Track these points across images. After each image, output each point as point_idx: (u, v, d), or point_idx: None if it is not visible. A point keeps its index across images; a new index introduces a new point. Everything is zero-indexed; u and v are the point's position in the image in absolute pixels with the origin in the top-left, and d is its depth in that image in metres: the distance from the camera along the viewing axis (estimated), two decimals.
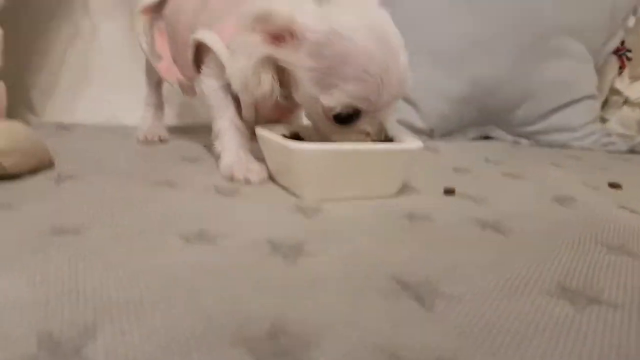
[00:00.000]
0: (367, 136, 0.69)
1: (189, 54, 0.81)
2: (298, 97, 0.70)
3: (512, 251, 0.52)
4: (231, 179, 0.73)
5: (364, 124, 0.68)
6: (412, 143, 0.71)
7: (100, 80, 1.25)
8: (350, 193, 0.67)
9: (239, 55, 0.68)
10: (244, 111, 0.78)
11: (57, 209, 0.57)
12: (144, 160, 0.84)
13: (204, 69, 0.80)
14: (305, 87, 0.67)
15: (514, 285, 0.43)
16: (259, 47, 0.65)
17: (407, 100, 1.27)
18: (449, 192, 0.75)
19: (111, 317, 0.34)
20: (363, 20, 0.66)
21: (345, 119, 0.67)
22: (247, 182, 0.72)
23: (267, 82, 0.68)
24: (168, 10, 0.95)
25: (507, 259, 0.49)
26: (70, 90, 1.25)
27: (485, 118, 1.35)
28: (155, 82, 1.07)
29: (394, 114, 0.73)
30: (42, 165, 0.72)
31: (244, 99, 0.75)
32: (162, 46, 0.97)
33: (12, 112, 1.15)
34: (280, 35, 0.65)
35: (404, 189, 0.73)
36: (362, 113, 0.67)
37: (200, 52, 0.81)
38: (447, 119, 1.30)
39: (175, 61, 0.94)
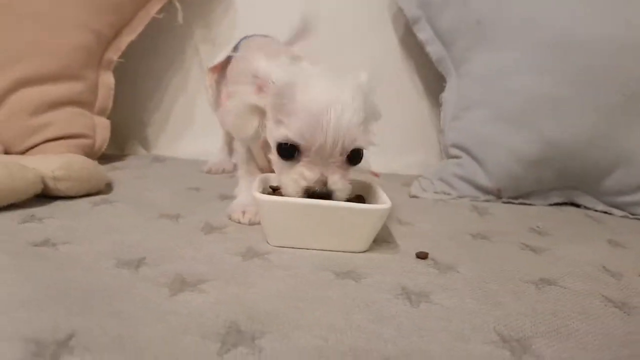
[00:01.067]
0: (304, 179, 0.74)
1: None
2: (266, 134, 0.79)
3: None
4: (229, 218, 0.85)
5: (303, 167, 0.74)
6: (377, 205, 0.75)
7: (203, 120, 1.47)
8: (312, 244, 0.74)
9: (234, 101, 0.81)
10: (256, 157, 0.92)
11: (64, 225, 0.75)
12: (187, 196, 0.99)
13: None
14: (269, 124, 0.76)
15: None
16: (249, 95, 0.78)
17: (472, 156, 1.24)
18: (421, 256, 0.76)
19: None
20: (322, 73, 0.76)
21: (285, 153, 0.75)
22: (239, 222, 0.83)
23: (253, 126, 0.79)
24: (228, 69, 1.12)
25: None
26: (177, 129, 1.50)
27: (567, 183, 1.25)
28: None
29: (340, 169, 0.77)
30: (95, 189, 0.93)
31: (254, 148, 0.90)
32: (225, 99, 1.13)
33: (127, 147, 1.45)
34: (262, 87, 0.77)
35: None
36: (302, 152, 0.74)
37: None
38: (518, 180, 1.23)
39: None
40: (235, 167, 1.25)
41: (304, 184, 0.74)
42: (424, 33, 1.40)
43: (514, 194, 1.24)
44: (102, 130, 1.23)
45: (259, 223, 0.80)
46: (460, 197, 1.22)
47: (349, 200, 0.80)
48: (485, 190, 1.23)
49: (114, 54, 1.26)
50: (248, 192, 0.85)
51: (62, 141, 1.14)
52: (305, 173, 0.74)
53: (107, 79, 1.25)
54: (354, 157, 0.78)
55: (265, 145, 0.84)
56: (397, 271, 0.69)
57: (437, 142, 1.37)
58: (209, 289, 0.57)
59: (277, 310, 0.53)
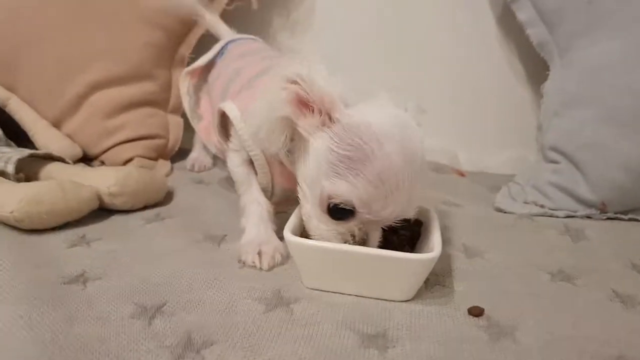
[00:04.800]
0: (349, 238, 0.66)
1: (215, 123, 0.86)
2: (302, 168, 0.68)
3: None
4: (239, 261, 0.73)
5: (350, 225, 0.65)
6: (418, 256, 0.66)
7: None
8: (351, 290, 0.67)
9: (261, 103, 0.67)
10: (260, 177, 0.80)
11: (108, 251, 0.75)
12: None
13: (229, 142, 0.83)
14: (314, 163, 0.65)
15: None
16: (282, 104, 0.64)
17: (573, 162, 1.07)
18: (474, 313, 0.66)
19: None
20: (396, 127, 0.64)
21: (338, 213, 0.65)
22: (255, 266, 0.72)
23: (280, 140, 0.67)
24: (210, 76, 1.02)
25: None
26: None
27: None
28: None
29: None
30: (153, 200, 0.94)
31: (257, 163, 0.78)
32: (206, 108, 1.04)
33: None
34: (308, 104, 0.64)
35: None
36: (356, 217, 0.65)
37: (227, 124, 0.84)
38: (625, 192, 1.04)
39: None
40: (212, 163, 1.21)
41: (347, 239, 0.66)
42: (524, 13, 1.20)
43: (621, 208, 1.05)
44: (176, 129, 1.25)
45: (280, 265, 0.74)
46: (554, 209, 1.06)
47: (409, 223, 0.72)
48: (586, 204, 1.06)
49: (185, 50, 1.26)
50: (259, 224, 0.78)
51: (136, 142, 1.17)
52: (353, 232, 0.65)
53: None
54: None
55: (279, 170, 0.76)
56: (436, 335, 0.60)
57: (535, 138, 1.20)
58: (211, 357, 0.53)
59: None
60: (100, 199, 0.86)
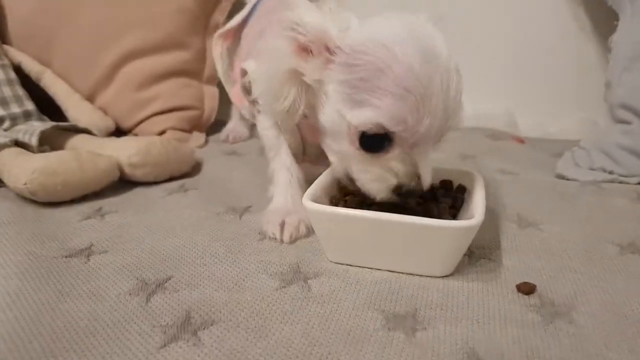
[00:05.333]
0: (394, 176, 0.58)
1: (239, 84, 0.79)
2: (323, 119, 0.61)
3: None
4: (262, 234, 0.67)
5: (393, 159, 0.57)
6: (457, 222, 0.57)
7: None
8: (380, 264, 0.60)
9: (266, 62, 0.63)
10: (288, 138, 0.73)
11: (121, 224, 0.71)
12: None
13: (258, 104, 0.77)
14: (332, 105, 0.58)
15: None
16: (287, 57, 0.59)
17: None
18: (524, 290, 0.56)
19: None
20: (408, 31, 0.55)
21: (373, 145, 0.57)
22: (275, 239, 0.66)
23: (291, 96, 0.61)
24: (243, 34, 0.94)
25: None
26: None
27: None
28: None
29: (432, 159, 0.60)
30: (178, 172, 0.89)
31: (283, 125, 0.72)
32: (238, 72, 0.95)
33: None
34: (309, 48, 0.58)
35: None
36: (394, 141, 0.56)
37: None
38: None
39: None
40: (251, 134, 1.14)
41: (393, 181, 0.58)
42: None
43: None
44: (211, 100, 1.20)
45: (304, 237, 0.67)
46: (625, 175, 0.93)
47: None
48: None
49: (220, 16, 1.19)
50: (287, 192, 0.71)
51: (169, 114, 1.13)
52: (398, 168, 0.57)
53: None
54: None
55: (307, 126, 0.68)
56: (476, 316, 0.51)
57: (603, 97, 1.05)
58: (208, 339, 0.47)
59: None
60: (121, 170, 0.83)
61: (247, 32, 0.93)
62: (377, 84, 0.53)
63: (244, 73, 0.77)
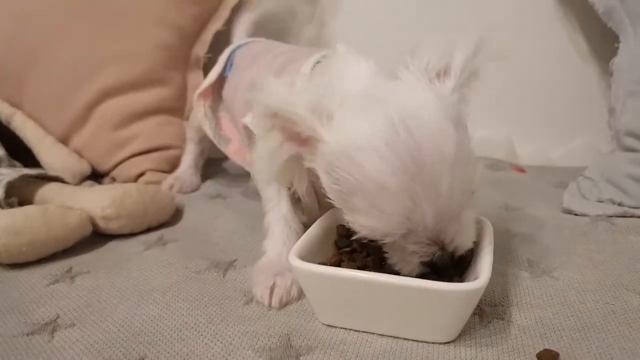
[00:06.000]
0: (417, 256, 0.52)
1: (245, 141, 0.75)
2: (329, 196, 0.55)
3: None
4: (250, 298, 0.60)
5: (411, 244, 0.51)
6: (459, 285, 0.50)
7: None
8: (376, 329, 0.53)
9: (261, 157, 0.60)
10: (302, 197, 0.67)
11: (91, 289, 0.64)
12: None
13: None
14: (329, 193, 0.53)
15: None
16: (281, 149, 0.54)
17: None
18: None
19: None
20: (391, 130, 0.47)
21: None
22: (267, 304, 0.58)
23: (295, 178, 0.59)
24: (225, 92, 0.88)
25: None
26: None
27: None
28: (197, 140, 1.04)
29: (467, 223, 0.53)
30: (156, 222, 0.82)
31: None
32: (228, 128, 0.91)
33: None
34: (302, 135, 0.52)
35: None
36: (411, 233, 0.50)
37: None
38: None
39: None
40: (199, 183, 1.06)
41: (416, 261, 0.52)
42: None
43: None
44: None
45: (296, 300, 0.60)
46: (636, 207, 0.87)
47: None
48: None
49: (200, 50, 1.14)
50: (282, 247, 0.64)
51: (148, 155, 1.06)
52: (412, 249, 0.51)
53: (196, 79, 1.13)
54: None
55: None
56: None
57: (607, 124, 1.00)
58: None
59: None
60: (94, 223, 0.76)
61: (234, 85, 0.87)
62: (354, 202, 0.49)
63: (246, 127, 0.72)
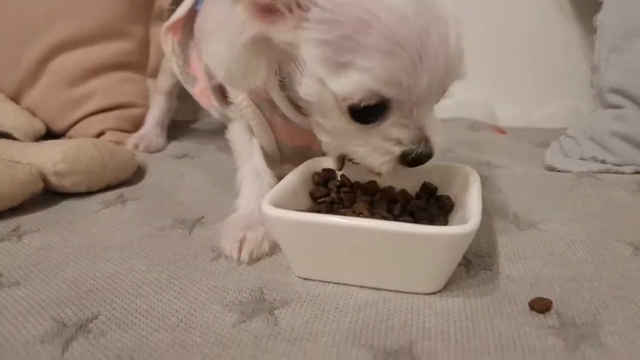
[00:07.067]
0: (399, 145, 0.50)
1: (205, 82, 0.70)
2: (303, 91, 0.50)
3: None
4: (219, 253, 0.56)
5: (393, 126, 0.49)
6: (446, 228, 0.46)
7: None
8: (356, 280, 0.49)
9: (222, 37, 0.51)
10: (262, 139, 0.63)
11: (40, 247, 0.58)
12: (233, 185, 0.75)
13: (229, 102, 0.66)
14: (311, 72, 0.48)
15: None
16: (246, 24, 0.48)
17: None
18: (539, 308, 0.46)
19: None
20: None
21: (366, 114, 0.48)
22: (235, 258, 0.53)
23: (262, 69, 0.51)
24: (196, 27, 0.81)
25: None
26: None
27: None
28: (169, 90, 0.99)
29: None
30: (116, 180, 0.76)
31: (257, 126, 0.62)
32: (197, 66, 0.84)
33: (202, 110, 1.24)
34: (274, 7, 0.47)
35: None
36: (391, 107, 0.48)
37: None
38: None
39: None
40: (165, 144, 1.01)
41: (396, 151, 0.49)
42: None
43: None
44: None
45: (269, 255, 0.55)
46: (619, 164, 0.85)
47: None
48: None
49: (164, 1, 1.06)
50: (256, 199, 0.59)
51: (107, 113, 0.99)
52: (400, 135, 0.49)
53: (160, 32, 1.05)
54: None
55: (282, 126, 0.58)
56: (486, 348, 0.41)
57: (590, 84, 0.97)
58: None
59: None
60: (46, 180, 0.69)
61: (203, 20, 0.80)
62: (363, 41, 0.44)
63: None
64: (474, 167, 0.83)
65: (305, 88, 0.50)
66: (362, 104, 0.47)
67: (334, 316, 0.44)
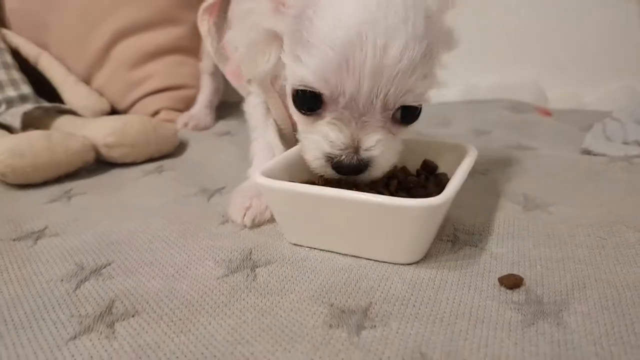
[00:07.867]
0: (327, 142, 0.52)
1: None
2: (287, 81, 0.55)
3: None
4: (227, 218, 0.61)
5: (327, 124, 0.51)
6: (413, 200, 0.48)
7: None
8: (340, 248, 0.53)
9: (243, 25, 0.57)
10: (275, 116, 0.67)
11: (85, 207, 0.67)
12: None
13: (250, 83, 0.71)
14: (287, 64, 0.53)
15: None
16: (262, 16, 0.53)
17: None
18: (508, 284, 0.48)
19: None
20: None
21: (305, 104, 0.52)
22: (239, 223, 0.59)
23: (272, 58, 0.55)
24: (230, 7, 0.85)
25: None
26: None
27: None
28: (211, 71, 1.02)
29: (382, 130, 0.52)
30: (159, 153, 0.85)
31: (271, 102, 0.66)
32: (229, 48, 0.85)
33: None
34: (281, 3, 0.52)
35: None
36: (326, 104, 0.51)
37: None
38: None
39: None
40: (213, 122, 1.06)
41: (326, 149, 0.52)
42: None
43: None
44: None
45: (271, 222, 0.60)
46: None
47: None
48: None
49: None
50: None
51: (163, 94, 1.08)
52: (329, 134, 0.51)
53: None
54: (406, 114, 0.52)
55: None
56: (440, 315, 0.43)
57: None
58: (123, 332, 0.42)
59: None
60: (97, 151, 0.79)
61: (235, 3, 0.86)
62: (307, 37, 0.48)
63: None
64: (504, 148, 0.83)
65: (287, 78, 0.54)
66: (303, 92, 0.50)
67: (308, 277, 0.49)
